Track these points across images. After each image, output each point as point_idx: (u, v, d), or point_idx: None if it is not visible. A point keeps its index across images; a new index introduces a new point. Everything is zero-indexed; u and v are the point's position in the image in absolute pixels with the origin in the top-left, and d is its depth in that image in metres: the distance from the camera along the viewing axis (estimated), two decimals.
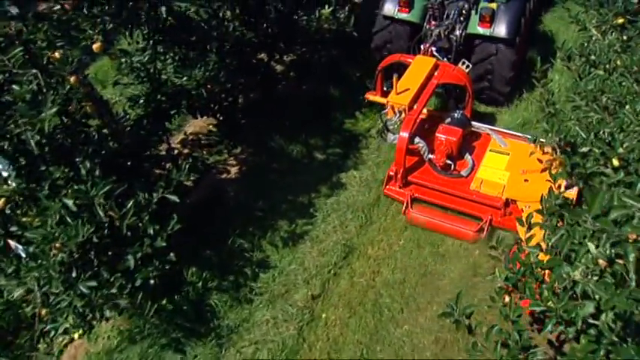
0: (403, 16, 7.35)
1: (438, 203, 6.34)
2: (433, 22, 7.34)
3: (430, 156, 6.44)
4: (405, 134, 6.09)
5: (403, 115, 6.20)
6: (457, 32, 7.23)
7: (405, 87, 6.28)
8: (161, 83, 5.66)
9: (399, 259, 6.03)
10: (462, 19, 7.26)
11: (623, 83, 5.40)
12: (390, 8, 7.41)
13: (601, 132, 4.41)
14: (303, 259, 6.11)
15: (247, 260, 6.09)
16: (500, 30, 6.87)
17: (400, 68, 6.69)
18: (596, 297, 2.93)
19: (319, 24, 7.06)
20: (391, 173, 6.46)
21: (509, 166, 6.33)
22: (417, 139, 6.35)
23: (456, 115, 6.58)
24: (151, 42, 5.58)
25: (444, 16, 7.32)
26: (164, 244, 4.77)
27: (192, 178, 6.33)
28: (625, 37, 6.34)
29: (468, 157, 6.50)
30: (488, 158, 6.46)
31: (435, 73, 6.56)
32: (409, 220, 6.32)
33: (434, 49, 6.95)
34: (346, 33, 7.29)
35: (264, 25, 6.88)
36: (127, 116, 5.46)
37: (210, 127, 7.62)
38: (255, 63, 7.20)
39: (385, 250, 6.13)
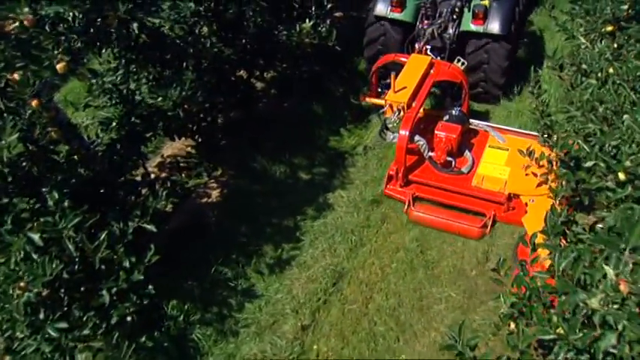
0: (396, 15, 7.30)
1: (440, 201, 6.27)
2: (426, 22, 7.31)
3: (430, 154, 6.38)
4: (404, 132, 6.05)
5: (402, 113, 6.17)
6: (450, 31, 7.21)
7: (402, 85, 6.31)
8: (135, 104, 5.32)
9: (393, 282, 5.72)
10: (454, 17, 7.24)
11: (619, 92, 5.22)
12: (382, 8, 7.34)
13: (606, 145, 4.16)
14: (290, 286, 5.76)
15: (231, 290, 5.73)
16: (494, 26, 6.90)
17: (395, 69, 6.69)
18: (619, 327, 2.67)
19: (300, 39, 6.80)
20: (391, 173, 6.40)
21: (509, 161, 6.29)
22: (416, 137, 6.30)
23: (453, 112, 6.54)
24: (123, 61, 5.26)
25: (437, 15, 7.30)
26: (141, 277, 4.40)
27: (170, 204, 5.97)
28: (615, 45, 6.20)
29: (467, 153, 6.46)
30: (488, 154, 6.44)
31: (431, 71, 6.58)
32: (412, 219, 6.20)
33: (428, 47, 7.03)
34: (328, 47, 7.04)
35: (243, 40, 6.60)
36: (99, 141, 5.13)
37: (189, 149, 7.27)
38: (234, 81, 6.91)
39: (377, 274, 5.82)
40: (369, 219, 6.34)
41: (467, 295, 5.51)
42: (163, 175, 6.94)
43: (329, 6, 7.31)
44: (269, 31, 6.78)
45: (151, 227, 4.51)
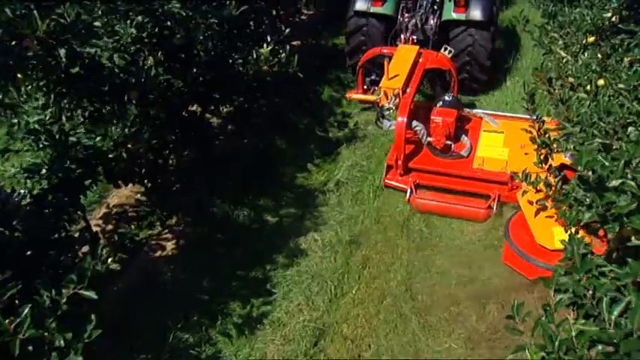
0: (377, 9, 7.36)
1: (442, 187, 6.18)
2: (406, 15, 7.42)
3: (429, 139, 6.32)
4: (402, 118, 6.01)
5: (397, 99, 6.18)
6: (431, 22, 7.38)
7: (395, 73, 6.37)
8: (68, 146, 4.47)
9: (382, 336, 4.92)
10: (434, 8, 7.43)
11: (616, 101, 4.78)
12: (362, 3, 7.39)
13: (633, 160, 3.56)
14: (264, 349, 4.90)
15: (194, 359, 4.84)
16: (476, 13, 7.08)
17: (376, 65, 6.94)
18: None
19: (258, 66, 6.11)
20: (390, 163, 6.30)
21: (506, 142, 6.36)
22: (414, 123, 6.26)
23: (447, 97, 6.53)
24: (53, 96, 4.44)
25: (417, 8, 7.46)
26: (79, 358, 3.53)
27: (117, 263, 5.10)
28: (600, 56, 5.80)
29: (464, 138, 6.45)
30: (484, 138, 6.46)
31: (420, 60, 6.69)
32: (415, 207, 6.08)
33: (414, 37, 7.20)
34: (288, 75, 6.37)
35: (194, 70, 5.87)
36: (25, 192, 4.26)
37: (139, 196, 6.41)
38: (186, 116, 6.13)
39: (364, 327, 5.02)
40: (349, 263, 5.59)
41: (470, 345, 4.77)
42: (109, 227, 6.04)
43: (287, 30, 6.70)
44: (223, 59, 6.08)
45: (89, 294, 3.63)
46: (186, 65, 5.73)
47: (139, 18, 4.88)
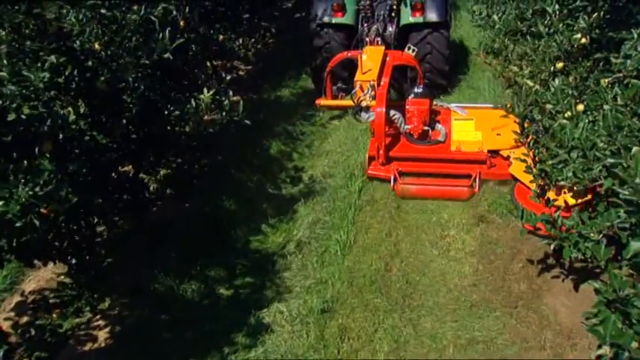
0: (339, 19, 7.63)
1: (424, 172, 6.33)
2: (366, 24, 7.72)
3: (406, 127, 6.52)
4: (381, 109, 6.18)
5: (373, 91, 6.38)
6: (390, 29, 7.72)
7: (368, 68, 6.66)
8: None
9: None
10: (393, 15, 7.74)
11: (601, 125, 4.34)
12: (323, 16, 7.65)
13: None
14: None
15: None
16: (432, 15, 7.43)
17: (340, 74, 7.40)
18: None
19: (198, 116, 5.31)
20: (371, 154, 6.42)
21: (477, 127, 6.59)
22: (392, 112, 6.42)
23: (417, 90, 6.73)
24: None
25: (375, 16, 7.77)
26: None
27: None
28: (571, 80, 5.44)
29: (438, 126, 6.66)
30: (456, 125, 6.66)
31: (387, 59, 6.96)
32: (400, 193, 6.18)
33: (379, 40, 7.47)
34: (234, 124, 5.60)
35: (125, 122, 5.00)
36: None
37: (62, 277, 5.31)
38: (116, 177, 5.19)
39: None
40: (324, 336, 4.65)
41: None
42: (24, 320, 4.90)
43: (228, 77, 5.99)
44: (157, 110, 5.26)
45: None
46: (114, 117, 4.87)
47: (52, 58, 4.02)
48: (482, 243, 5.53)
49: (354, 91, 6.50)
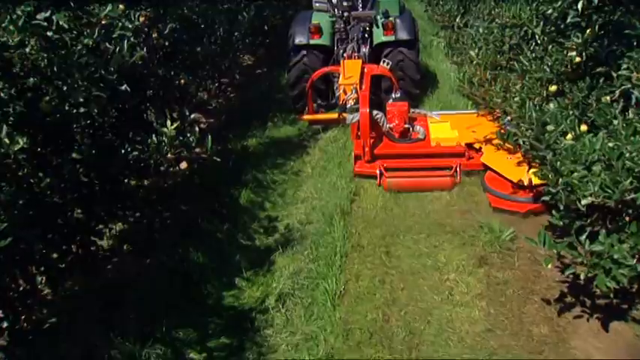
0: (316, 41, 8.11)
1: (408, 167, 6.64)
2: (341, 45, 8.24)
3: (388, 125, 6.95)
4: (365, 109, 6.60)
5: (356, 94, 6.89)
6: (363, 49, 8.23)
7: (350, 74, 7.20)
8: None
9: None
10: (366, 36, 8.33)
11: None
12: (301, 37, 8.13)
13: None
14: None
15: None
16: (403, 34, 8.08)
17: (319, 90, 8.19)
18: None
19: (160, 153, 4.64)
20: (357, 153, 6.75)
21: (453, 127, 7.07)
22: (374, 112, 6.82)
23: (394, 95, 7.63)
24: None
25: (349, 38, 8.24)
26: None
27: None
28: (567, 101, 5.12)
29: (417, 127, 7.09)
30: (433, 128, 7.11)
31: (365, 70, 7.53)
32: (386, 187, 6.48)
33: (356, 54, 7.96)
34: (202, 162, 4.93)
35: (77, 166, 4.28)
36: None
37: None
38: (64, 225, 4.38)
39: None
40: None
41: None
42: None
43: (192, 116, 5.39)
44: (112, 151, 4.58)
45: None
46: (59, 159, 4.14)
47: None
48: (488, 285, 4.90)
49: (337, 94, 7.14)
